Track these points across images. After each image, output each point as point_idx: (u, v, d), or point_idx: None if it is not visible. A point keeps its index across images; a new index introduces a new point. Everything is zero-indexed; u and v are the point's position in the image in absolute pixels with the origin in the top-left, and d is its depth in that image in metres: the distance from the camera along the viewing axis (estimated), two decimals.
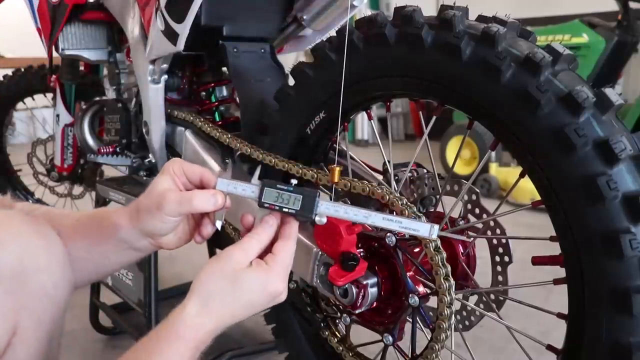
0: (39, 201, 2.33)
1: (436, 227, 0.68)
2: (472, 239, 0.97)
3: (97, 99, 1.74)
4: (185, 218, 0.79)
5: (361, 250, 0.91)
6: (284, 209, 0.72)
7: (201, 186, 0.76)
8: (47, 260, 0.74)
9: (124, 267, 0.87)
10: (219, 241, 1.86)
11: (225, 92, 1.40)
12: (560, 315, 0.79)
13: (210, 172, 0.77)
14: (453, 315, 0.81)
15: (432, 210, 1.02)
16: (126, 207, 0.80)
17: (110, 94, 1.57)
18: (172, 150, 1.35)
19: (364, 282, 0.86)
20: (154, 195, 0.74)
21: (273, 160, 1.01)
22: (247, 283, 0.67)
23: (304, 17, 1.25)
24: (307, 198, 0.71)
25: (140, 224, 0.76)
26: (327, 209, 0.72)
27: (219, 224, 0.78)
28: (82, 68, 1.84)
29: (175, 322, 0.65)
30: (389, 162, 0.95)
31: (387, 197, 0.83)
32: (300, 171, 0.96)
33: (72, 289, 0.77)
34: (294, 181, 0.73)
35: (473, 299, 0.99)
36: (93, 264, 0.81)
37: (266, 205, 0.73)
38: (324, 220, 0.72)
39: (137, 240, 0.79)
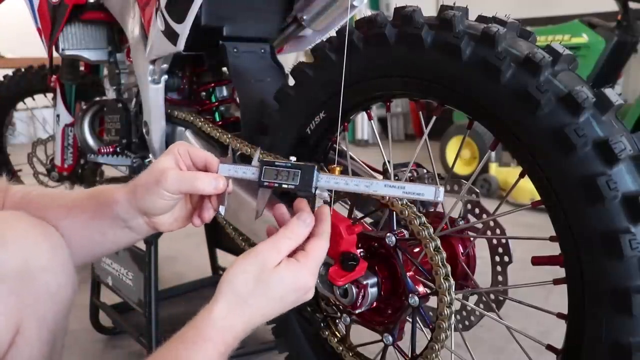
0: None
1: (441, 189, 0.66)
2: (472, 238, 0.97)
3: (97, 99, 1.74)
4: (183, 201, 0.78)
5: (361, 250, 0.91)
6: (284, 185, 0.71)
7: (204, 170, 0.76)
8: (52, 261, 0.74)
9: (119, 248, 0.85)
10: (219, 241, 1.87)
11: (225, 92, 1.40)
12: (560, 315, 0.79)
13: (214, 157, 0.76)
14: (453, 315, 0.81)
15: (432, 210, 1.02)
16: (126, 184, 0.79)
17: (111, 94, 1.57)
18: None
19: (364, 282, 0.86)
20: (154, 171, 0.73)
21: None
22: (279, 282, 0.66)
23: (304, 17, 1.25)
24: (305, 172, 0.70)
25: (138, 199, 0.75)
26: (327, 181, 0.71)
27: (222, 209, 0.77)
28: (82, 68, 1.84)
29: (203, 324, 0.63)
30: (389, 162, 0.95)
31: (387, 197, 0.83)
32: None
33: (76, 290, 0.77)
34: (292, 158, 0.73)
35: (473, 299, 0.99)
36: (88, 240, 0.80)
37: (265, 184, 0.72)
38: (325, 194, 0.71)
39: (132, 218, 0.77)
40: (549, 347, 0.79)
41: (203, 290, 1.84)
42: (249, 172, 0.74)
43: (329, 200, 0.82)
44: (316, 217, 0.72)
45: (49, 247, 0.74)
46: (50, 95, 2.04)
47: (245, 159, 1.15)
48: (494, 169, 3.40)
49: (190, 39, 1.11)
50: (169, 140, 1.35)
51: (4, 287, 0.69)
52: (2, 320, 0.68)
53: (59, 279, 0.75)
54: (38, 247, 0.73)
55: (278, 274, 0.66)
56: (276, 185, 0.71)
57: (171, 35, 1.13)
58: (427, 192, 0.66)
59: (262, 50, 1.26)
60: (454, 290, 0.80)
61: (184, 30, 1.10)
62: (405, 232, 0.86)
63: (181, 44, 1.12)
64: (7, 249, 0.70)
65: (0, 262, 0.69)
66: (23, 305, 0.70)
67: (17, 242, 0.71)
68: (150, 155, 1.40)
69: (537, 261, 0.81)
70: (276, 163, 0.72)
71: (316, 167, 0.71)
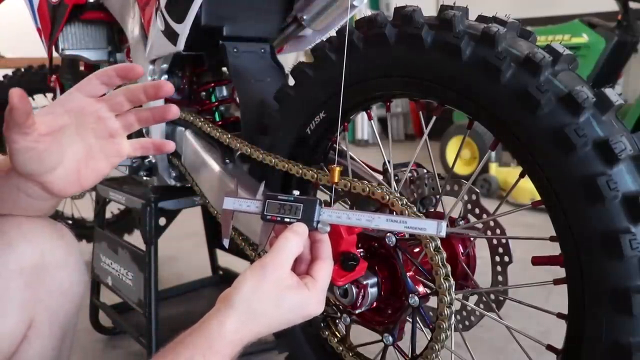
0: None
1: (444, 223, 0.66)
2: (472, 238, 0.97)
3: None
4: (79, 144, 0.68)
5: (361, 250, 0.91)
6: (286, 219, 0.72)
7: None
8: (66, 259, 0.76)
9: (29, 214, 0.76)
10: (219, 241, 1.87)
11: (225, 92, 1.40)
12: (560, 316, 0.79)
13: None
14: (453, 315, 0.81)
15: (432, 210, 1.02)
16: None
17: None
18: None
19: (364, 282, 0.86)
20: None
21: (273, 160, 1.01)
22: (289, 304, 0.66)
23: (304, 17, 1.25)
24: (308, 206, 0.71)
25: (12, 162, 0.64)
26: (329, 216, 0.72)
27: (226, 242, 0.78)
28: (82, 68, 1.84)
29: (214, 336, 0.62)
30: (389, 162, 0.95)
31: (387, 197, 0.83)
32: (300, 171, 0.96)
33: (87, 287, 0.80)
34: (296, 192, 0.74)
35: (473, 299, 0.99)
36: None
37: (268, 217, 0.73)
38: (327, 228, 0.72)
39: (27, 187, 0.68)
40: (549, 347, 0.79)
41: (203, 290, 1.84)
42: (252, 205, 0.75)
43: (329, 201, 0.82)
44: (317, 239, 0.72)
45: (63, 245, 0.76)
46: (50, 95, 2.03)
47: (246, 159, 1.16)
48: (494, 169, 3.40)
49: (190, 38, 1.11)
50: (169, 139, 1.34)
51: (21, 281, 0.70)
52: (17, 314, 0.71)
53: (72, 277, 0.76)
54: (54, 244, 0.74)
55: (290, 296, 0.66)
56: (278, 219, 0.72)
57: (171, 35, 1.13)
58: (429, 227, 0.67)
59: (262, 50, 1.26)
60: (454, 290, 0.80)
61: (184, 30, 1.10)
62: None
63: (181, 44, 1.12)
64: (27, 242, 0.71)
65: (20, 253, 0.71)
66: (37, 299, 0.72)
67: (35, 237, 0.72)
68: (150, 155, 1.40)
69: (537, 261, 0.81)
70: (279, 197, 0.73)
71: (319, 201, 0.72)
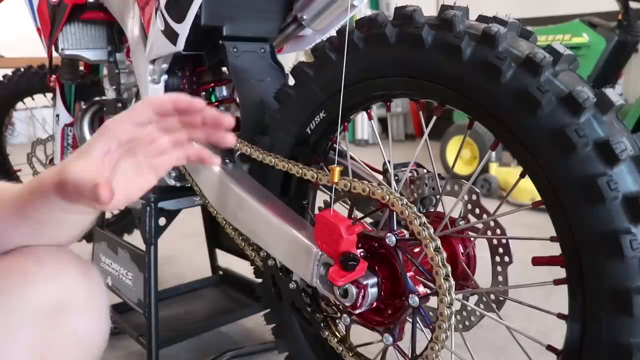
0: None
1: None
2: (472, 239, 0.97)
3: (97, 98, 1.74)
4: (128, 162, 0.67)
5: (361, 250, 0.91)
6: None
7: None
8: (86, 304, 0.70)
9: (75, 237, 0.75)
10: (219, 241, 1.87)
11: (225, 92, 1.40)
12: (560, 316, 0.78)
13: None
14: (453, 316, 0.81)
15: (432, 210, 1.02)
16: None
17: (110, 93, 1.57)
18: None
19: (364, 282, 0.86)
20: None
21: (273, 160, 1.01)
22: None
23: (304, 17, 1.24)
24: None
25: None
26: None
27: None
28: (82, 68, 1.84)
29: None
30: (389, 162, 0.95)
31: (387, 197, 0.83)
32: (300, 171, 0.96)
33: (107, 337, 0.73)
34: None
35: (473, 299, 0.99)
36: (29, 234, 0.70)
37: None
38: None
39: (71, 206, 0.65)
40: (549, 348, 0.79)
41: (203, 290, 1.84)
42: None
43: (329, 201, 0.82)
44: None
45: (86, 287, 0.70)
46: (49, 95, 2.03)
47: (246, 159, 1.15)
48: (494, 169, 3.40)
49: (190, 38, 1.11)
50: None
51: (34, 322, 0.64)
52: (24, 358, 0.64)
53: (89, 325, 0.71)
54: (75, 286, 0.69)
55: None
56: None
57: (171, 35, 1.12)
58: None
59: (262, 50, 1.26)
60: (454, 290, 0.80)
61: (183, 30, 1.09)
62: (406, 232, 0.86)
63: (181, 44, 1.12)
64: (47, 280, 0.65)
65: (39, 292, 0.65)
66: (47, 345, 0.66)
67: (58, 275, 0.67)
68: None
69: (537, 261, 0.81)
70: None
71: None
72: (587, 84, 0.71)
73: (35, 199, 0.66)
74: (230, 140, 0.70)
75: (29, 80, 2.18)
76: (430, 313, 0.97)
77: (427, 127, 0.89)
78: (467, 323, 1.00)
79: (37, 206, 0.66)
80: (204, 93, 1.39)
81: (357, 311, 0.87)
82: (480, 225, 0.96)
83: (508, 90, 0.72)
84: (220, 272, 1.93)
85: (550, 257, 0.79)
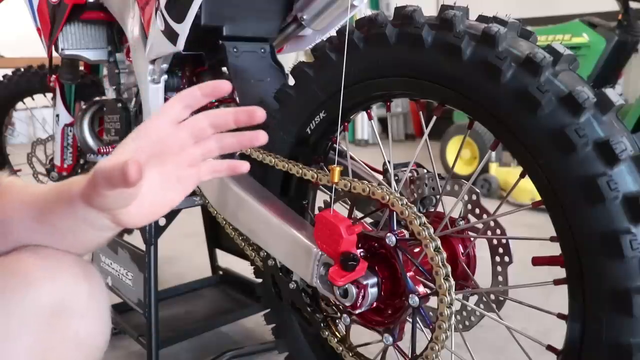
0: None
1: None
2: (472, 239, 0.97)
3: (97, 99, 1.74)
4: (158, 183, 0.64)
5: (361, 250, 0.91)
6: None
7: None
8: (87, 307, 0.69)
9: (89, 250, 0.73)
10: (219, 241, 1.87)
11: None
12: (560, 316, 0.78)
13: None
14: (453, 316, 0.81)
15: (432, 210, 1.02)
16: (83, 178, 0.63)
17: (110, 94, 1.57)
18: None
19: (364, 282, 0.86)
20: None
21: (273, 160, 1.01)
22: None
23: (304, 17, 1.24)
24: None
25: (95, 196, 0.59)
26: None
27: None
28: (82, 68, 1.84)
29: None
30: (389, 162, 0.95)
31: (387, 197, 0.83)
32: (300, 171, 0.96)
33: (108, 338, 0.72)
34: None
35: (473, 299, 0.99)
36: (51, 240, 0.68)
37: None
38: None
39: (95, 218, 0.62)
40: (549, 348, 0.79)
41: (203, 290, 1.84)
42: None
43: (329, 201, 0.82)
44: None
45: (87, 289, 0.69)
46: (49, 95, 2.03)
47: (245, 159, 1.15)
48: (494, 169, 3.40)
49: (189, 38, 1.11)
50: None
51: (35, 324, 0.64)
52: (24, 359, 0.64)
53: (90, 327, 0.70)
54: (76, 288, 0.67)
55: None
56: None
57: (171, 35, 1.12)
58: None
59: (262, 50, 1.26)
60: (454, 290, 0.80)
61: (183, 30, 1.09)
62: (406, 232, 0.86)
63: (181, 44, 1.12)
64: (48, 282, 0.64)
65: (40, 294, 0.64)
66: (48, 347, 0.65)
67: (59, 277, 0.66)
68: None
69: (537, 261, 0.81)
70: None
71: None
72: (587, 84, 0.71)
73: (61, 206, 0.64)
74: (262, 138, 0.67)
75: (29, 80, 2.18)
76: (430, 313, 0.96)
77: (427, 127, 0.89)
78: (467, 323, 1.00)
79: (61, 214, 0.64)
80: None
81: (357, 311, 0.87)
82: (480, 225, 0.96)
83: (508, 90, 0.72)
84: (220, 272, 1.93)
85: (550, 257, 0.79)
